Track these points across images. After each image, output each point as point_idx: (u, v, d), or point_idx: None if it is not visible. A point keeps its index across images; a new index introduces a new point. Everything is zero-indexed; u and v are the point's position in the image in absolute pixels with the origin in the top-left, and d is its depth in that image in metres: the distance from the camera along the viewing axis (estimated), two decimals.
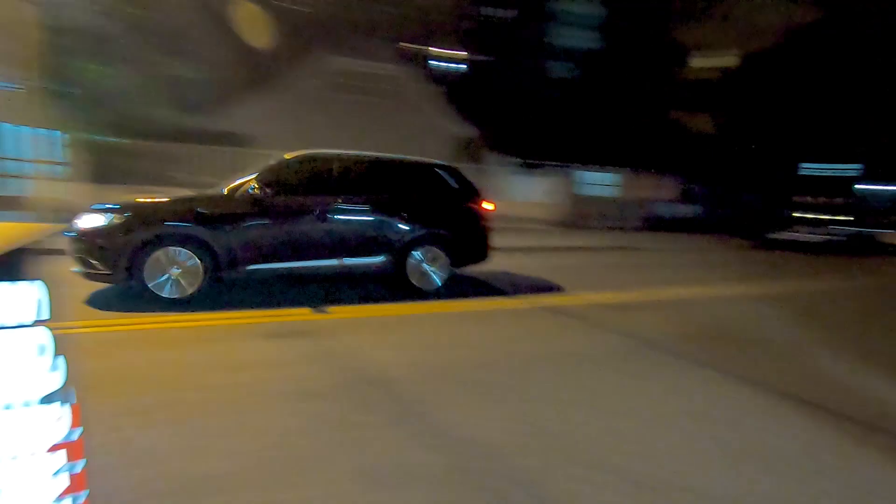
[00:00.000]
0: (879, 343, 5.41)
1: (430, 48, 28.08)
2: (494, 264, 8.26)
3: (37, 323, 1.07)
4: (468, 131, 20.94)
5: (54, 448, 1.11)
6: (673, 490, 2.46)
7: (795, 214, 16.16)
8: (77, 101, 11.61)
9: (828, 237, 15.53)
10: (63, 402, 1.14)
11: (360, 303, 5.51)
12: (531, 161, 17.08)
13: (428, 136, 19.35)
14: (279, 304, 5.12)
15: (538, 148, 20.45)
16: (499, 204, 14.79)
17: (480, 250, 6.39)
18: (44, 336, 1.08)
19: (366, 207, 5.56)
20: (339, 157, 5.70)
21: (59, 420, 1.12)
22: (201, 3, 15.54)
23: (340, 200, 5.43)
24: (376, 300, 5.65)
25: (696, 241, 14.64)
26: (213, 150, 12.42)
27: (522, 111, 24.82)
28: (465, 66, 28.91)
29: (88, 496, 1.21)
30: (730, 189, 18.81)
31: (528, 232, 13.45)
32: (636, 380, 3.86)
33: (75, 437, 1.17)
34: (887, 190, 16.97)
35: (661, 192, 17.55)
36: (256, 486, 2.25)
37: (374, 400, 3.18)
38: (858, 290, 8.79)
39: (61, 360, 1.14)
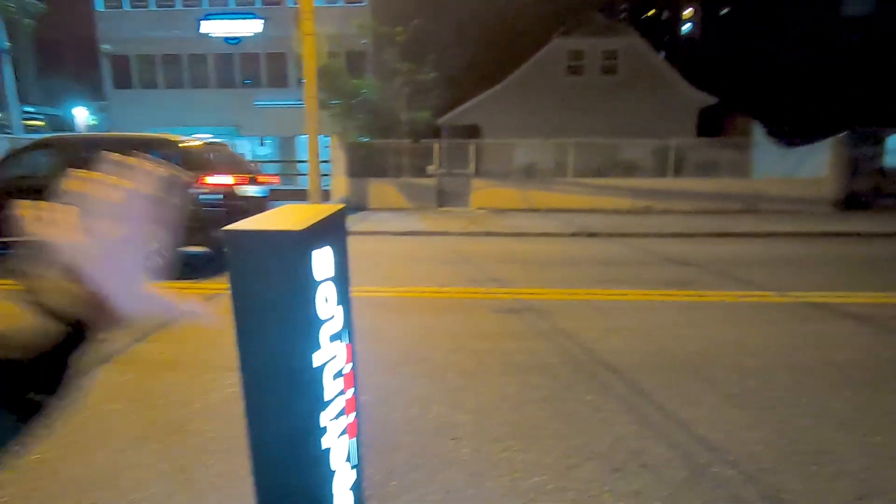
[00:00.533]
0: None
1: (668, 11, 25.37)
2: (733, 252, 7.22)
3: (335, 278, 1.42)
4: (713, 100, 18.31)
5: (338, 376, 1.46)
6: None
7: None
8: (343, 111, 14.25)
9: None
10: (343, 339, 1.49)
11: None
12: (795, 128, 13.94)
13: (669, 111, 17.67)
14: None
15: (803, 112, 16.63)
16: (751, 182, 12.61)
17: (203, 232, 5.64)
18: (333, 288, 1.43)
19: None
20: (60, 140, 6.47)
21: (340, 354, 1.48)
22: (437, 10, 17.24)
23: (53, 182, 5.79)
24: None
25: None
26: (458, 144, 13.84)
27: (781, 68, 20.33)
28: (703, 27, 25.23)
29: (357, 416, 1.58)
30: None
31: (789, 214, 11.18)
32: None
33: (349, 369, 1.54)
34: None
35: None
36: (495, 440, 2.56)
37: (606, 382, 3.21)
38: None
39: (342, 308, 1.49)
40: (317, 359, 1.31)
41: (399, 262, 6.82)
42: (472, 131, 17.45)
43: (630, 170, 13.89)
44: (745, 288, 5.41)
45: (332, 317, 1.37)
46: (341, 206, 1.63)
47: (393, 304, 4.89)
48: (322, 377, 1.34)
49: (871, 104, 17.26)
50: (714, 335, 4.07)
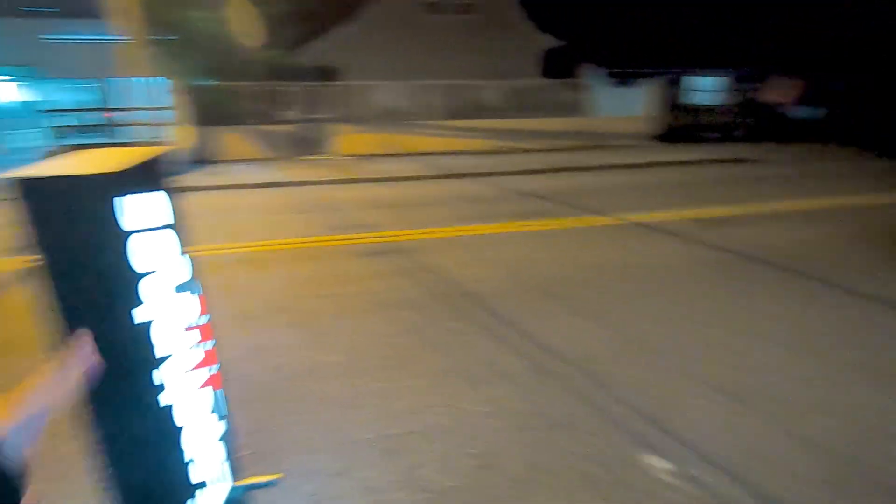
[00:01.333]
0: None
1: None
2: (579, 185, 8.03)
3: (167, 227, 1.29)
4: (557, 43, 19.48)
5: (190, 329, 1.37)
6: (757, 398, 2.49)
7: None
8: (178, 48, 12.40)
9: None
10: (193, 291, 1.40)
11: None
12: (626, 71, 15.56)
13: (518, 53, 18.37)
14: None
15: (633, 56, 18.51)
16: (591, 120, 13.97)
17: None
18: (174, 237, 1.32)
19: None
20: None
21: (192, 306, 1.38)
22: None
23: None
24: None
25: (823, 150, 12.79)
26: (317, 87, 12.93)
27: (614, 15, 22.33)
28: None
29: (220, 369, 1.52)
30: (868, 86, 15.79)
31: (621, 148, 12.66)
32: (733, 295, 3.74)
33: (204, 321, 1.47)
34: None
35: (780, 95, 15.31)
36: (368, 374, 2.65)
37: (468, 309, 3.44)
38: None
39: (186, 258, 1.37)
40: (139, 315, 1.19)
41: (257, 216, 6.39)
42: (331, 73, 16.48)
43: (488, 111, 14.41)
44: (587, 214, 6.08)
45: (154, 270, 1.24)
46: (163, 148, 1.44)
47: (253, 259, 4.62)
48: (149, 334, 1.23)
49: (691, 48, 19.72)
50: (561, 257, 4.56)
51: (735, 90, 15.68)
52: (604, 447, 2.15)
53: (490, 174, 9.20)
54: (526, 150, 13.00)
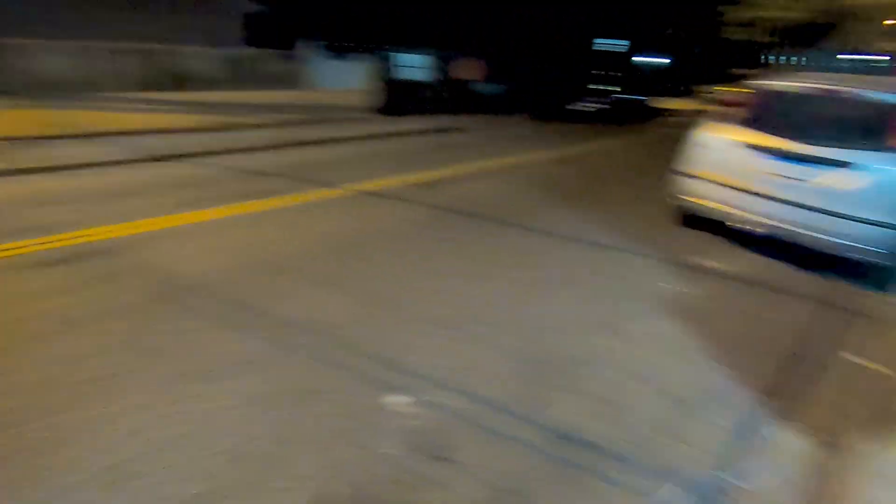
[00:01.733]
0: (634, 179, 6.86)
1: None
2: (305, 159, 8.03)
3: None
4: (260, 8, 18.37)
5: None
6: (470, 324, 3.05)
7: (590, 87, 18.43)
8: None
9: (607, 105, 18.05)
10: None
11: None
12: (342, 44, 15.90)
13: (217, 16, 16.57)
14: None
15: (348, 30, 19.01)
16: (311, 93, 13.89)
17: None
18: None
19: None
20: None
21: None
22: None
23: None
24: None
25: (506, 119, 15.82)
26: None
27: None
28: None
29: None
30: (535, 67, 20.12)
31: (343, 122, 13.06)
32: (450, 244, 4.38)
33: None
34: (655, 62, 20.21)
35: (473, 73, 18.11)
36: (66, 409, 2.17)
37: (196, 305, 3.12)
38: (627, 146, 10.74)
39: None
40: None
41: None
42: None
43: (196, 82, 12.78)
44: (317, 187, 6.12)
45: None
46: None
47: None
48: None
49: (399, 27, 21.12)
50: (294, 234, 4.52)
51: (437, 68, 17.69)
52: (350, 401, 2.30)
53: (207, 154, 8.28)
54: (245, 126, 12.11)
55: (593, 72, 18.96)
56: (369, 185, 6.25)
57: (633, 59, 21.64)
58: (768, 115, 4.04)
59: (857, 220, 3.51)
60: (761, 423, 2.35)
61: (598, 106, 17.82)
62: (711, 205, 4.28)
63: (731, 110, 4.27)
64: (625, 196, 6.25)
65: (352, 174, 6.86)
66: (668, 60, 19.72)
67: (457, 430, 2.16)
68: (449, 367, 2.60)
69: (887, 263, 3.53)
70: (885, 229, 3.42)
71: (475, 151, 9.22)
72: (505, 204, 5.74)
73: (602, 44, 19.02)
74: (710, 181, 4.23)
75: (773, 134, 3.87)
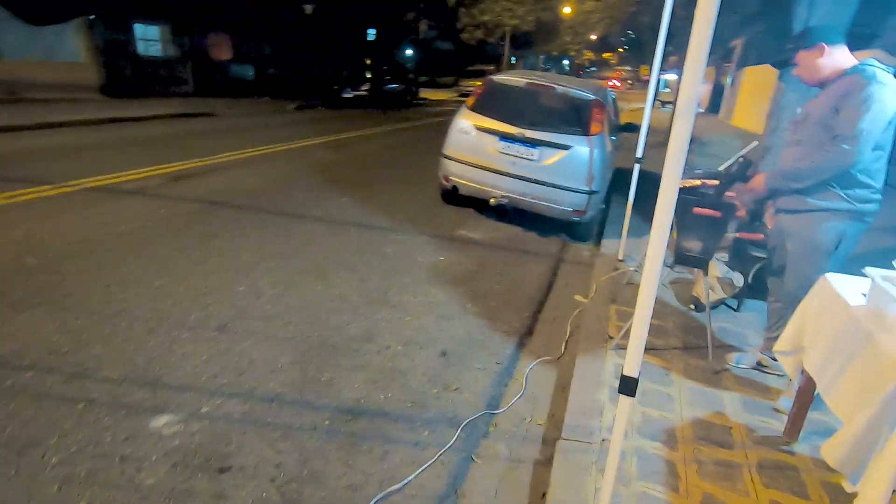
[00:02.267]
0: (402, 162, 7.26)
1: None
2: (6, 148, 6.31)
3: None
4: None
5: None
6: (244, 321, 2.84)
7: (359, 75, 18.82)
8: None
9: (377, 93, 18.61)
10: None
11: None
12: (43, 4, 12.50)
13: None
14: None
15: None
16: (5, 65, 10.65)
17: None
18: None
19: None
20: None
21: None
22: None
23: None
24: None
25: (271, 104, 14.86)
26: None
27: None
28: None
29: None
30: (299, 52, 19.37)
31: (57, 104, 10.47)
32: (215, 240, 3.95)
33: None
34: (409, 56, 21.69)
35: (224, 53, 16.46)
36: None
37: None
38: (394, 133, 11.26)
39: None
40: None
41: None
42: None
43: None
44: (25, 186, 4.78)
45: None
46: None
47: None
48: None
49: None
50: None
51: (179, 44, 15.51)
52: (104, 435, 1.91)
53: None
54: None
55: (364, 61, 19.44)
56: (102, 180, 5.18)
57: (399, 51, 22.81)
58: (501, 104, 4.74)
59: (561, 188, 4.44)
60: (515, 360, 2.80)
61: (366, 93, 18.31)
62: (465, 182, 4.85)
63: (476, 100, 4.87)
64: (395, 178, 6.60)
65: (76, 167, 5.58)
66: (417, 55, 21.40)
67: (234, 435, 2.00)
68: (222, 371, 2.37)
69: (578, 219, 4.55)
70: (576, 193, 4.41)
71: (234, 138, 8.47)
72: (273, 193, 5.45)
73: (372, 35, 19.57)
74: (463, 162, 4.78)
75: (504, 121, 4.58)
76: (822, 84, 2.11)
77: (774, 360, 2.69)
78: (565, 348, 2.98)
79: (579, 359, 2.80)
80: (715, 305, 3.36)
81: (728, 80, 22.46)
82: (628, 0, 12.89)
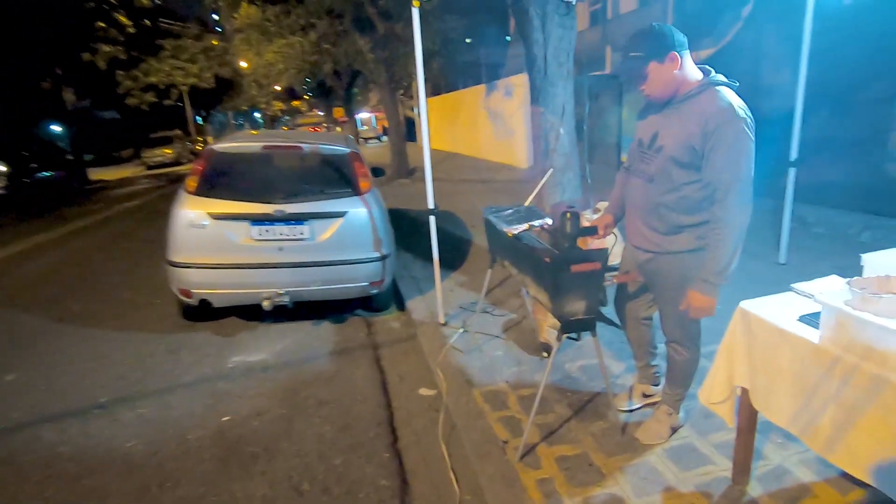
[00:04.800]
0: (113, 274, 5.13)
1: None
2: None
3: None
4: None
5: None
6: None
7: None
8: None
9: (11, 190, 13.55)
10: None
11: None
12: None
13: None
14: None
15: None
16: None
17: None
18: None
19: None
20: None
21: None
22: None
23: None
24: None
25: None
26: None
27: None
28: None
29: None
30: None
31: None
32: None
33: None
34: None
35: None
36: None
37: None
38: (52, 244, 8.24)
39: None
40: None
41: None
42: None
43: None
44: None
45: None
46: None
47: None
48: None
49: None
50: None
51: None
52: None
53: None
54: None
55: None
56: None
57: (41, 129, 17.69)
58: (238, 179, 3.58)
59: (349, 263, 3.59)
60: None
61: (4, 192, 13.22)
62: (218, 291, 3.51)
63: (199, 181, 3.54)
64: (90, 315, 4.49)
65: None
66: (72, 130, 16.94)
67: None
68: None
69: (377, 291, 3.82)
70: (368, 263, 3.65)
71: None
72: None
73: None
74: (206, 266, 3.43)
75: (250, 199, 3.45)
76: (667, 101, 1.85)
77: (656, 384, 2.50)
78: (458, 484, 2.19)
79: (489, 495, 2.06)
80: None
81: (415, 111, 25.30)
82: (308, 50, 12.79)
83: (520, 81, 12.11)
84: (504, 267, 2.83)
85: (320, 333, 3.84)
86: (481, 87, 15.12)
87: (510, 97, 12.70)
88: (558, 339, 2.12)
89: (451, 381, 2.94)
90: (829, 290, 1.53)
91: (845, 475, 1.87)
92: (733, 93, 1.74)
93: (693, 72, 1.80)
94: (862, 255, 1.79)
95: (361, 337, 3.79)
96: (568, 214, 2.05)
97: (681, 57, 1.75)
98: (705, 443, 2.24)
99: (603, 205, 2.95)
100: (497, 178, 11.50)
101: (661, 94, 1.81)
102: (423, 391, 2.99)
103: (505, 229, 2.57)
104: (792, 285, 1.82)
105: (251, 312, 4.04)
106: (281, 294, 3.49)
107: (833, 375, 1.46)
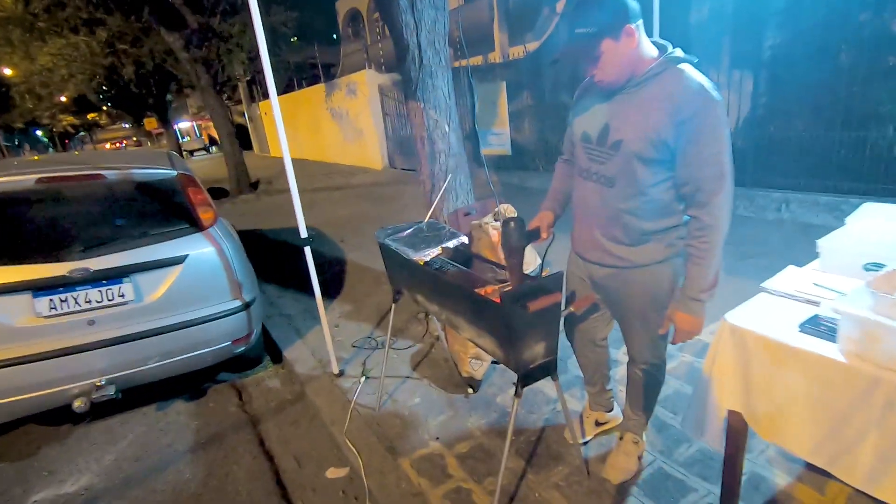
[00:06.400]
0: None
1: None
2: None
3: None
4: None
5: None
6: None
7: None
8: None
9: None
10: None
11: None
12: None
13: None
14: None
15: None
16: None
17: None
18: None
19: None
20: None
21: None
22: None
23: None
24: None
25: None
26: None
27: None
28: None
29: None
30: None
31: None
32: None
33: None
34: None
35: None
36: None
37: None
38: None
39: None
40: None
41: None
42: None
43: None
44: None
45: None
46: None
47: None
48: None
49: None
50: None
51: None
52: None
53: None
54: None
55: None
56: None
57: None
58: (5, 232, 2.42)
59: (200, 323, 2.68)
60: None
61: None
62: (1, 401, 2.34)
63: None
64: None
65: None
66: None
67: None
68: None
69: (243, 349, 2.98)
70: (228, 316, 2.79)
71: None
72: None
73: None
74: None
75: (29, 260, 2.33)
76: (622, 86, 1.45)
77: (610, 410, 2.20)
78: None
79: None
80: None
81: (245, 117, 22.94)
82: (99, 52, 10.53)
83: (361, 79, 11.48)
84: (416, 303, 2.28)
85: (171, 421, 2.86)
86: (321, 87, 14.13)
87: (354, 96, 12.01)
88: (517, 394, 1.65)
89: (367, 454, 2.32)
90: (830, 290, 1.29)
91: (816, 469, 1.72)
92: (697, 71, 1.42)
93: (648, 47, 1.44)
94: (818, 240, 1.64)
95: (233, 412, 2.91)
96: (512, 223, 1.57)
97: (637, 31, 1.38)
98: (673, 464, 1.99)
99: (505, 207, 2.55)
100: (353, 182, 10.77)
101: (615, 78, 1.42)
102: (332, 472, 2.31)
103: (413, 257, 2.02)
104: (763, 285, 1.59)
105: (57, 412, 2.87)
106: (100, 385, 2.45)
107: (871, 398, 1.22)
